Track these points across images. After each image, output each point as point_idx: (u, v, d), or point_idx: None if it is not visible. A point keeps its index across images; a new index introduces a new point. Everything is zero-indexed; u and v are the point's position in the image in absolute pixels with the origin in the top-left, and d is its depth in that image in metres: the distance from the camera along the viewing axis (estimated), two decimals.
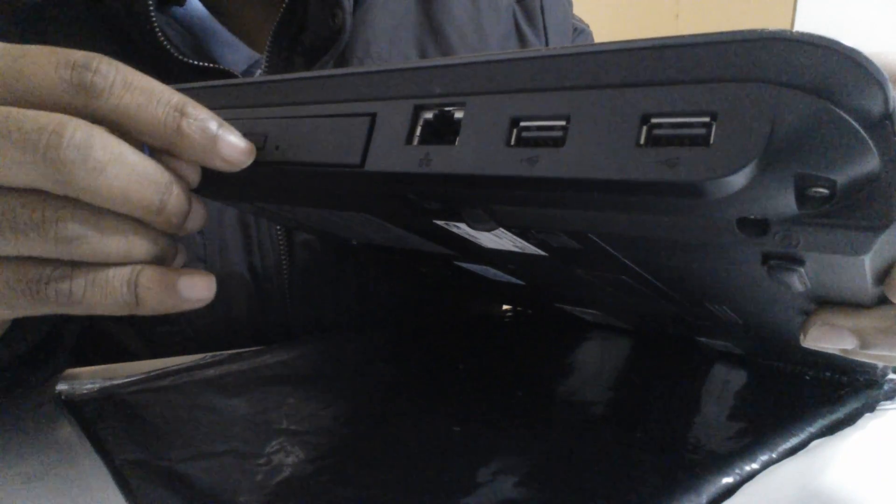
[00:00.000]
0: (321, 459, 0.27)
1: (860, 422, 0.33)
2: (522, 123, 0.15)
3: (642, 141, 0.14)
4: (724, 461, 0.27)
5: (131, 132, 0.20)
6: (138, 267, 0.21)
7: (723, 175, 0.13)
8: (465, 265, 0.33)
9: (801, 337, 0.23)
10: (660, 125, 0.13)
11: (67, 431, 0.30)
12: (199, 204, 0.23)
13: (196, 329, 0.45)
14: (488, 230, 0.21)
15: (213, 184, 0.23)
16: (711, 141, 0.13)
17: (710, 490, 0.25)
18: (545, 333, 0.48)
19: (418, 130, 0.17)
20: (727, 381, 0.40)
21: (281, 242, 0.46)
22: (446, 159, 0.16)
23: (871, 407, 0.34)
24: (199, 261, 0.44)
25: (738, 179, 0.13)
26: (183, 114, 0.20)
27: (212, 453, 0.27)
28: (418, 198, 0.19)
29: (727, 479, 0.26)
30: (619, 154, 0.14)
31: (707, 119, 0.13)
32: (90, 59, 0.19)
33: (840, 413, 0.33)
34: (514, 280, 0.35)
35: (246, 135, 0.21)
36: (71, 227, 0.19)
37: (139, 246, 0.21)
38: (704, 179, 0.13)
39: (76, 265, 0.20)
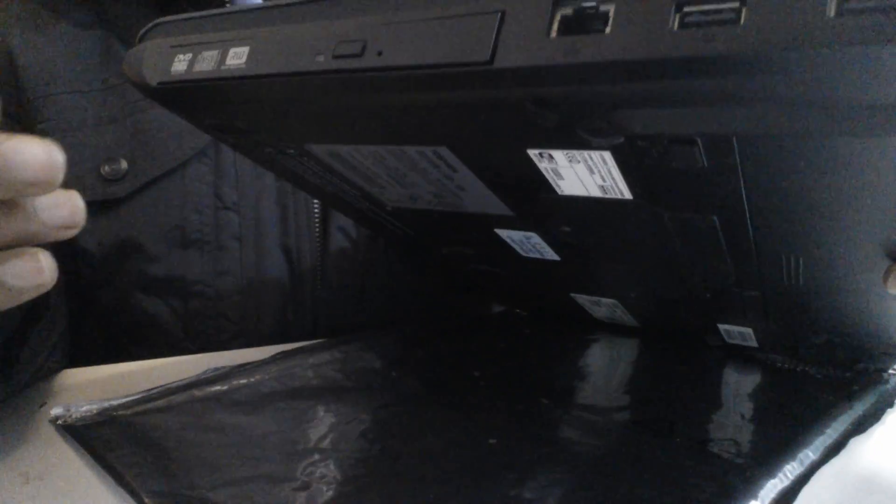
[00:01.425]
0: (360, 479, 0.25)
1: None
2: (687, 9, 0.15)
3: (833, 13, 0.13)
4: (770, 463, 0.27)
5: None
6: None
7: None
8: (505, 234, 0.32)
9: (893, 278, 0.23)
10: None
11: (72, 442, 0.28)
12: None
13: (228, 305, 0.45)
14: (605, 146, 0.20)
15: (276, 111, 0.21)
16: None
17: (768, 495, 0.25)
18: (549, 335, 0.48)
19: (556, 25, 0.17)
20: (740, 381, 0.40)
21: (317, 225, 0.46)
22: (600, 47, 0.16)
23: (890, 402, 0.34)
24: (234, 238, 0.45)
25: None
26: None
27: (240, 479, 0.25)
28: (538, 107, 0.18)
29: (779, 483, 0.26)
30: (812, 24, 0.14)
31: None
32: None
33: (861, 409, 0.34)
34: (547, 255, 0.34)
35: (340, 43, 0.20)
36: None
37: None
38: None
39: None
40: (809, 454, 0.28)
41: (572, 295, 0.42)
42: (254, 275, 0.45)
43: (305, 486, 0.25)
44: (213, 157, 0.45)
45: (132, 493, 0.23)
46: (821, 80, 0.14)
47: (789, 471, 0.26)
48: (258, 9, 0.23)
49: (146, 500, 0.23)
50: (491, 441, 0.29)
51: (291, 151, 0.29)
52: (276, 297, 0.46)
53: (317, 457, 0.27)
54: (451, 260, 0.42)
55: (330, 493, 0.24)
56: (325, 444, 0.28)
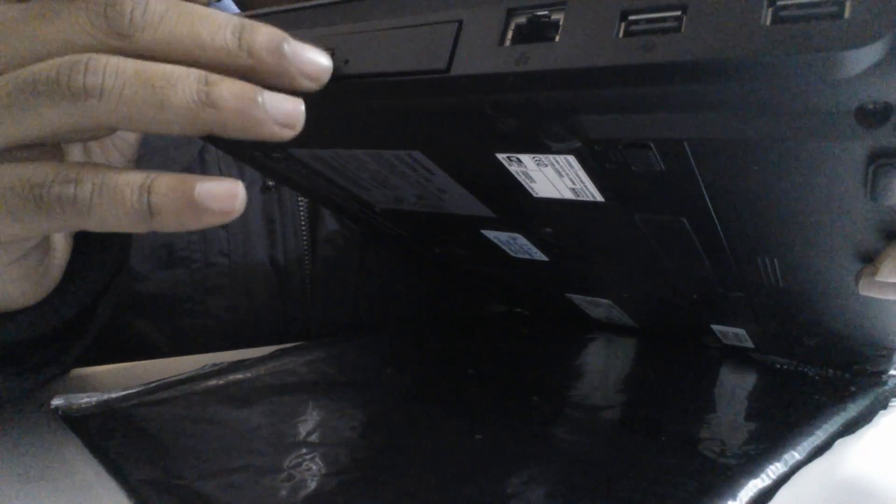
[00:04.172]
0: (345, 473, 0.26)
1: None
2: (632, 17, 0.15)
3: (769, 21, 0.14)
4: (753, 463, 0.27)
5: (189, 64, 0.19)
6: (153, 173, 0.19)
7: (857, 46, 0.13)
8: (491, 234, 0.33)
9: (864, 280, 0.22)
10: (785, 6, 0.14)
11: (68, 434, 0.29)
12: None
13: (218, 322, 0.44)
14: (565, 151, 0.21)
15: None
16: (846, 15, 0.13)
17: (747, 495, 0.25)
18: (547, 335, 0.48)
19: (510, 34, 0.17)
20: (735, 381, 0.40)
21: (304, 237, 0.46)
22: (548, 55, 0.16)
23: (883, 404, 0.34)
24: (222, 255, 0.44)
25: (872, 53, 0.13)
26: (246, 32, 0.19)
27: (229, 469, 0.25)
28: (497, 112, 0.19)
29: (760, 482, 0.26)
30: (747, 33, 0.14)
31: None
32: None
33: (853, 411, 0.33)
34: (536, 256, 0.34)
35: None
36: (105, 66, 0.18)
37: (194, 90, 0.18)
38: (838, 50, 0.13)
39: (84, 168, 0.19)
40: (795, 455, 0.28)
41: (567, 295, 0.42)
42: (243, 290, 0.45)
43: (291, 478, 0.25)
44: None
45: (122, 481, 0.24)
46: (758, 87, 0.15)
47: (772, 471, 0.26)
48: (250, 16, 0.23)
49: (135, 487, 0.23)
50: (477, 437, 0.29)
51: (277, 156, 0.29)
52: (266, 312, 0.46)
53: (305, 450, 0.27)
54: (446, 260, 0.42)
55: (314, 484, 0.25)
56: (314, 437, 0.29)
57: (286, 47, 0.19)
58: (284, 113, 0.19)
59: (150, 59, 0.18)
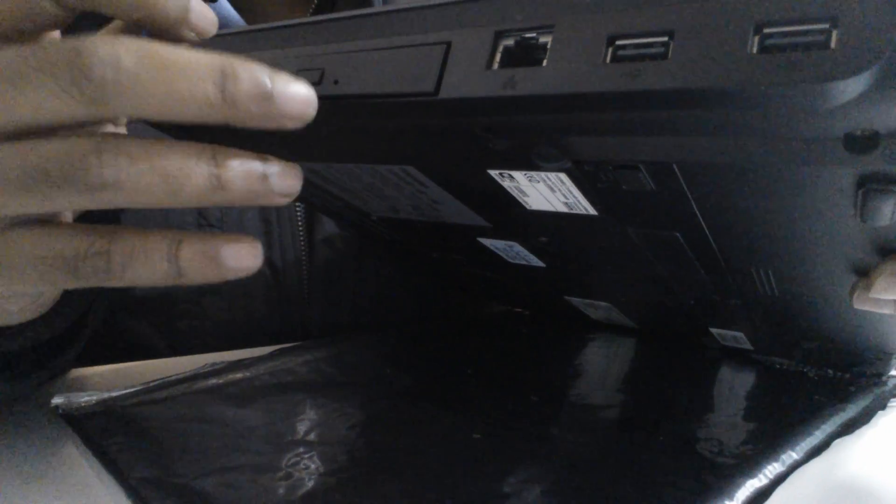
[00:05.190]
0: (342, 472, 0.26)
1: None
2: (619, 42, 0.15)
3: (755, 49, 0.14)
4: (751, 462, 0.27)
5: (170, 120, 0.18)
6: (178, 238, 0.20)
7: (843, 77, 0.12)
8: (488, 242, 0.33)
9: (857, 295, 0.22)
10: (771, 35, 0.13)
11: (68, 433, 0.29)
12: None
13: (215, 324, 0.44)
14: (557, 170, 0.21)
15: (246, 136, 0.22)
16: (832, 46, 0.13)
17: (744, 494, 0.25)
18: (547, 335, 0.48)
19: (498, 56, 0.17)
20: (734, 381, 0.40)
21: (301, 239, 0.46)
22: (535, 80, 0.16)
23: (882, 404, 0.34)
24: None
25: (858, 84, 0.13)
26: (230, 83, 0.18)
27: (227, 468, 0.26)
28: (487, 133, 0.19)
29: (757, 482, 0.26)
30: (733, 61, 0.14)
31: (827, 25, 0.13)
32: (83, 56, 0.16)
33: (852, 412, 0.33)
34: (533, 262, 0.34)
35: (300, 72, 0.20)
36: (117, 158, 0.17)
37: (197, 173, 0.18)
38: (824, 81, 0.13)
39: (113, 238, 0.19)
40: (793, 455, 0.28)
41: (566, 298, 0.42)
42: (240, 292, 0.45)
43: (288, 477, 0.25)
44: None
45: (121, 479, 0.24)
46: (744, 115, 0.14)
47: (769, 471, 0.26)
48: (231, 34, 0.23)
49: (133, 485, 0.24)
50: (475, 436, 0.29)
51: None
52: (263, 314, 0.46)
53: (302, 449, 0.27)
54: (444, 264, 0.42)
55: (311, 483, 0.25)
56: (312, 436, 0.29)
57: (271, 96, 0.18)
58: (287, 185, 0.20)
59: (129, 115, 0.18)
